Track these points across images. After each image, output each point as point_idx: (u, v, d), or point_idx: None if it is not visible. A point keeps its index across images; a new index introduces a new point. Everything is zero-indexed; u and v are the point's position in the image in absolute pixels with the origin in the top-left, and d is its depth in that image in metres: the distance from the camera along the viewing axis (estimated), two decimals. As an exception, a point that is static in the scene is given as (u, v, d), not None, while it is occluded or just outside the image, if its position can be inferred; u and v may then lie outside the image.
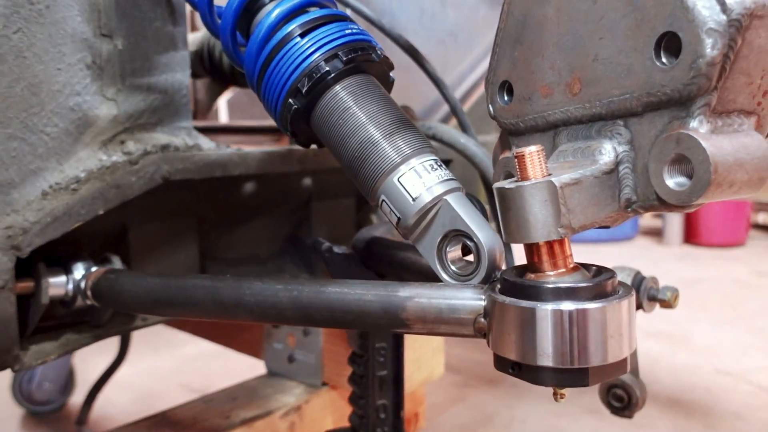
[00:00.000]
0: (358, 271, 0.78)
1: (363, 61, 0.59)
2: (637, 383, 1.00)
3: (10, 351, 0.67)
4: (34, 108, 0.69)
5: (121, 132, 0.79)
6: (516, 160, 0.47)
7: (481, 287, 0.51)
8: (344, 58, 0.58)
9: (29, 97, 0.69)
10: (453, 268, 0.55)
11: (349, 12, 1.03)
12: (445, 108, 1.27)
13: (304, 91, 0.58)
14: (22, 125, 0.68)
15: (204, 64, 1.18)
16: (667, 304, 0.94)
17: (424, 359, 1.12)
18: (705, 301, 2.85)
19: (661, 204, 0.45)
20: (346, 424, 0.89)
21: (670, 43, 0.43)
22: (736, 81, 0.42)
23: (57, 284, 0.71)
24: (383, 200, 0.56)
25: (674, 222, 4.25)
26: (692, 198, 0.42)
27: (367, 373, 0.81)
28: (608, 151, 0.48)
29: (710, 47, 0.40)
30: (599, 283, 0.46)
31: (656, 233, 4.50)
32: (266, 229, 1.01)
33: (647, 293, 0.94)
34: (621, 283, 0.49)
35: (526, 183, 0.46)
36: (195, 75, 1.21)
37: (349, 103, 0.58)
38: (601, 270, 0.49)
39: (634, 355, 1.11)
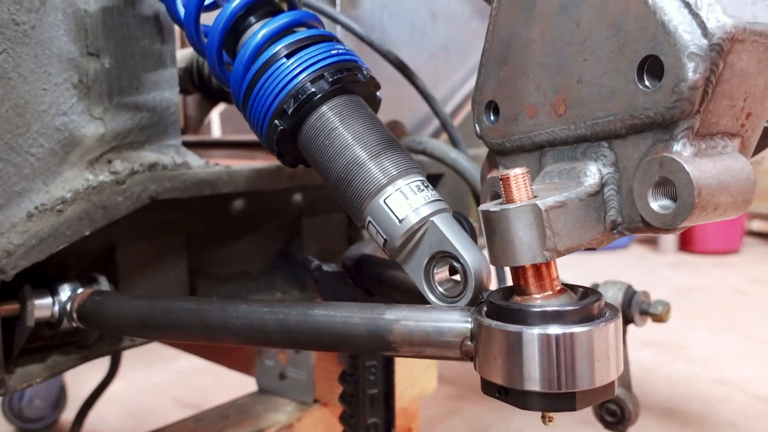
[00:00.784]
0: (347, 289, 0.78)
1: (349, 82, 0.59)
2: (630, 397, 1.00)
3: (-5, 375, 0.66)
4: (20, 129, 0.69)
5: (108, 151, 0.78)
6: (501, 182, 0.46)
7: (468, 309, 0.50)
8: (330, 79, 0.57)
9: (14, 118, 0.68)
10: (440, 289, 0.54)
11: (338, 28, 1.03)
12: (436, 122, 1.27)
13: (290, 112, 0.57)
14: (7, 146, 0.68)
15: (193, 80, 1.18)
16: (658, 318, 0.94)
17: (416, 375, 1.12)
18: (701, 309, 2.86)
19: (646, 226, 0.45)
20: (337, 442, 0.88)
21: (652, 67, 0.42)
22: (718, 104, 0.42)
23: (43, 306, 0.70)
24: (370, 222, 0.56)
25: (669, 230, 4.24)
26: (676, 221, 0.42)
27: (357, 391, 0.81)
28: (593, 172, 0.47)
29: (692, 71, 0.40)
30: (586, 306, 0.45)
31: (651, 241, 4.51)
32: (257, 246, 1.01)
33: (639, 307, 0.94)
34: (608, 305, 0.48)
35: (510, 206, 0.45)
36: (185, 91, 1.21)
37: (335, 124, 0.57)
38: (587, 292, 0.48)
39: (626, 368, 1.11)
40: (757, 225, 4.72)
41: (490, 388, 0.48)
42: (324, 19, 0.96)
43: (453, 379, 2.05)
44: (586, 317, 0.45)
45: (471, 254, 0.52)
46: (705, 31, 0.39)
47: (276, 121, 0.58)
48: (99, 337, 0.78)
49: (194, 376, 2.14)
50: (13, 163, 0.69)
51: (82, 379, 1.81)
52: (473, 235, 0.67)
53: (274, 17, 0.61)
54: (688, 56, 0.40)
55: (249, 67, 0.60)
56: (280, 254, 1.04)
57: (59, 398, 1.79)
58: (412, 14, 1.25)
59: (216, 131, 1.87)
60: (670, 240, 4.26)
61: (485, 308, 0.49)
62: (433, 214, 0.54)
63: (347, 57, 0.60)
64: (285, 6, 0.67)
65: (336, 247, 1.09)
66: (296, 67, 0.58)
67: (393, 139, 0.58)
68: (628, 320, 0.98)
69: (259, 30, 0.60)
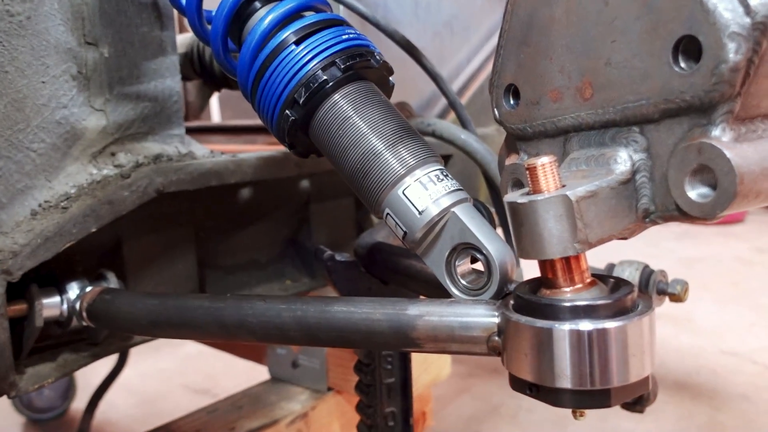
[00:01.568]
0: (361, 279, 0.76)
1: (362, 68, 0.56)
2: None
3: (5, 378, 0.65)
4: (20, 124, 0.67)
5: (111, 143, 0.76)
6: (528, 171, 0.44)
7: (493, 303, 0.48)
8: (342, 66, 0.55)
9: (13, 114, 0.66)
10: (463, 282, 0.53)
11: (341, 9, 1.00)
12: (442, 102, 1.24)
13: (301, 101, 0.55)
14: (7, 143, 0.66)
15: (194, 66, 1.15)
16: (677, 298, 0.92)
17: (430, 360, 1.10)
18: (706, 280, 2.84)
19: (682, 215, 0.43)
20: (353, 429, 0.87)
21: (688, 47, 0.40)
22: (760, 85, 0.39)
23: (51, 305, 0.69)
24: (388, 214, 0.54)
25: (672, 200, 4.22)
26: (716, 210, 0.40)
27: (374, 381, 0.80)
28: (624, 159, 0.45)
29: (733, 52, 0.37)
30: (618, 299, 0.44)
31: (654, 212, 4.48)
32: (265, 234, 0.99)
33: (656, 287, 0.92)
34: (640, 296, 0.46)
35: (539, 197, 0.43)
36: (185, 77, 1.18)
37: (348, 113, 0.55)
38: (619, 283, 0.47)
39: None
40: (760, 193, 4.70)
41: (519, 385, 0.46)
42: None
43: (461, 357, 2.04)
44: (619, 311, 0.43)
45: (495, 246, 0.50)
46: (747, 9, 0.37)
47: (287, 111, 0.56)
48: (109, 333, 0.77)
49: (202, 361, 2.14)
50: (14, 160, 0.67)
51: (90, 367, 1.80)
52: (491, 222, 0.65)
53: (280, 2, 0.59)
54: (729, 36, 0.38)
55: (256, 56, 0.58)
56: (288, 242, 1.02)
57: (69, 388, 1.79)
58: (415, -10, 1.21)
59: (215, 115, 1.84)
60: (673, 210, 4.23)
61: (512, 302, 0.47)
62: (453, 204, 0.52)
63: (359, 42, 0.57)
64: (290, -11, 0.64)
65: (345, 232, 1.07)
66: (306, 54, 0.55)
67: (409, 126, 0.56)
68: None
69: (265, 15, 0.58)
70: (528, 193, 0.45)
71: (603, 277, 0.48)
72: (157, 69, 0.80)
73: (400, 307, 0.50)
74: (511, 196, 0.46)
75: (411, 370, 0.81)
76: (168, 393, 1.95)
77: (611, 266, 0.96)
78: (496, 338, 0.47)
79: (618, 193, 0.45)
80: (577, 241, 0.43)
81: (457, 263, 0.53)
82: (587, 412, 0.46)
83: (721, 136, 0.40)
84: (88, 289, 0.69)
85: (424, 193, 0.52)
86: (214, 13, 0.61)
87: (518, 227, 0.45)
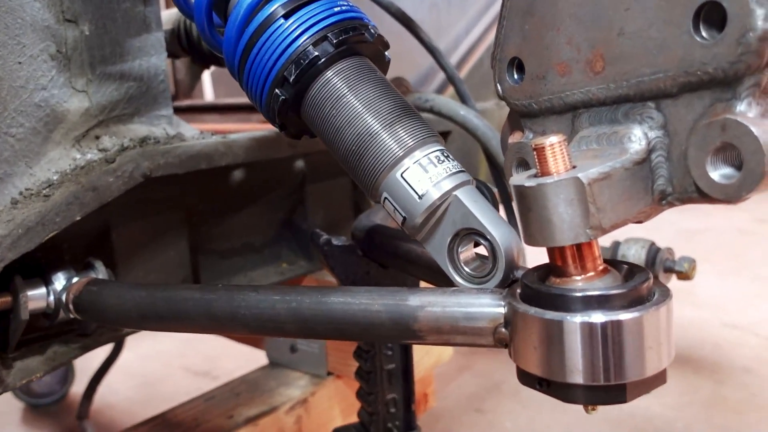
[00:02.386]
0: (359, 263, 0.73)
1: (356, 42, 0.53)
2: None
3: (-9, 374, 0.62)
4: (-4, 108, 0.63)
5: (94, 126, 0.72)
6: (535, 152, 0.41)
7: (499, 292, 0.46)
8: (335, 41, 0.51)
9: (-11, 97, 0.62)
10: (467, 269, 0.50)
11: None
12: (440, 76, 1.20)
13: (291, 79, 0.52)
14: (-16, 128, 0.62)
15: (181, 42, 1.11)
16: (684, 276, 0.90)
17: (431, 342, 1.08)
18: (707, 252, 2.82)
19: (703, 197, 0.40)
20: (354, 414, 0.85)
21: (711, 15, 0.37)
22: (790, 56, 0.36)
23: (37, 297, 0.66)
24: (386, 198, 0.51)
25: (672, 171, 4.19)
26: (741, 192, 0.37)
27: (374, 368, 0.77)
28: (639, 137, 0.42)
29: (762, 19, 0.34)
30: (633, 288, 0.41)
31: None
32: (260, 217, 0.96)
33: (663, 265, 0.89)
34: (657, 283, 0.44)
35: (548, 180, 0.40)
36: (172, 55, 1.14)
37: (342, 91, 0.52)
38: (633, 270, 0.44)
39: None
40: (760, 162, 4.67)
41: (528, 380, 0.44)
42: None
43: (462, 334, 2.03)
44: (634, 300, 0.41)
45: (500, 231, 0.47)
46: (778, -29, 0.34)
47: (276, 90, 0.53)
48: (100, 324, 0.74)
49: (201, 343, 2.12)
50: (-9, 146, 0.63)
51: (88, 352, 1.79)
52: (494, 203, 0.62)
53: (267, -28, 0.55)
54: (758, 1, 0.34)
55: (243, 31, 0.54)
56: (284, 224, 1.00)
57: (67, 372, 1.77)
58: (410, -40, 1.17)
59: (208, 93, 1.80)
60: (673, 182, 4.21)
61: (519, 291, 0.44)
62: (456, 187, 0.49)
63: (352, 14, 0.54)
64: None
65: (342, 212, 1.04)
66: (296, 28, 0.52)
67: (407, 104, 0.52)
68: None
69: (251, -13, 0.54)
70: (536, 175, 0.41)
71: (616, 264, 0.45)
72: (141, 46, 0.76)
73: (400, 297, 0.48)
74: (518, 179, 0.43)
75: (412, 356, 0.79)
76: (168, 375, 1.93)
77: (616, 244, 0.94)
78: (503, 330, 0.44)
79: (633, 174, 0.42)
80: (590, 227, 0.40)
81: (459, 249, 0.50)
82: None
83: (746, 111, 0.37)
84: (75, 280, 0.66)
85: (424, 175, 0.49)
86: (197, -14, 0.57)
87: (526, 212, 0.42)
